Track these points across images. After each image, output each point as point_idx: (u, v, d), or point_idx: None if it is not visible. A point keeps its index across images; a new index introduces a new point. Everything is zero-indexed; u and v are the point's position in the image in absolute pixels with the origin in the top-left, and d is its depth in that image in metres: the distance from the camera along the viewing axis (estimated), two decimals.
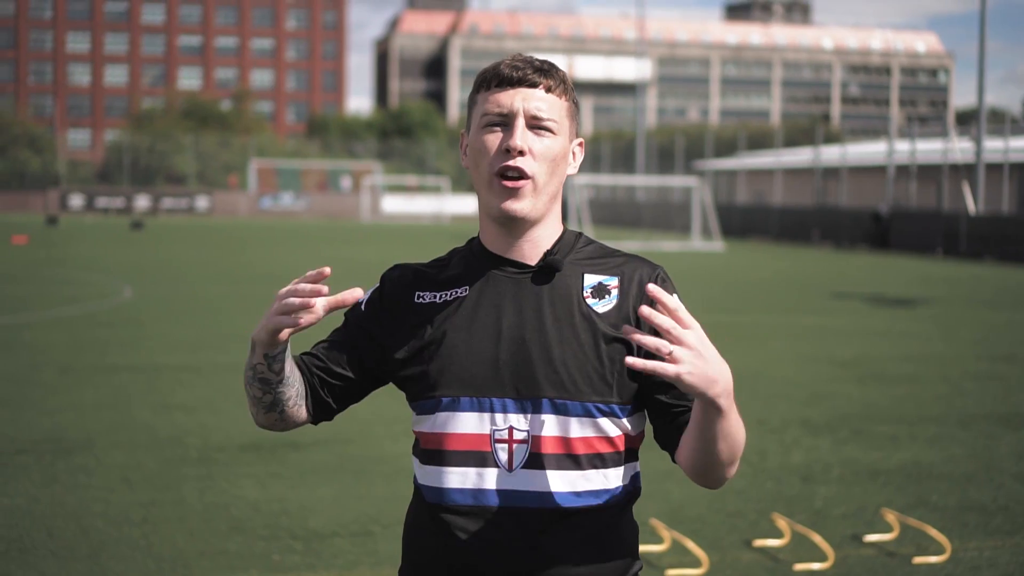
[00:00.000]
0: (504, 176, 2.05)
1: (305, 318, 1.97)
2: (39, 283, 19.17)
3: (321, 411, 2.19)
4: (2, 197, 60.27)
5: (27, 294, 17.17)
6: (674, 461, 2.10)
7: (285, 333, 1.99)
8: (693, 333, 1.82)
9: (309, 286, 1.96)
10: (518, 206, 2.05)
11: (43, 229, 40.96)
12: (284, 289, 1.98)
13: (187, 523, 5.77)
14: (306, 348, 2.24)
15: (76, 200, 59.42)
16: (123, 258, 25.99)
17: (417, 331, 2.10)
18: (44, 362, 10.74)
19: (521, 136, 2.04)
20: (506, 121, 2.06)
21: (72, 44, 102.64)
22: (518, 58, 2.11)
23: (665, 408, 2.08)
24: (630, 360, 1.81)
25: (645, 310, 1.81)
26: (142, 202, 60.16)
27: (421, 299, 2.13)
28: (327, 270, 1.97)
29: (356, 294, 2.01)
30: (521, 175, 2.05)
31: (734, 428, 1.96)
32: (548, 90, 2.07)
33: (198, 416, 8.37)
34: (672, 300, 1.82)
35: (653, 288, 1.82)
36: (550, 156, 2.07)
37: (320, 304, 1.98)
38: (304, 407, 2.16)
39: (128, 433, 7.76)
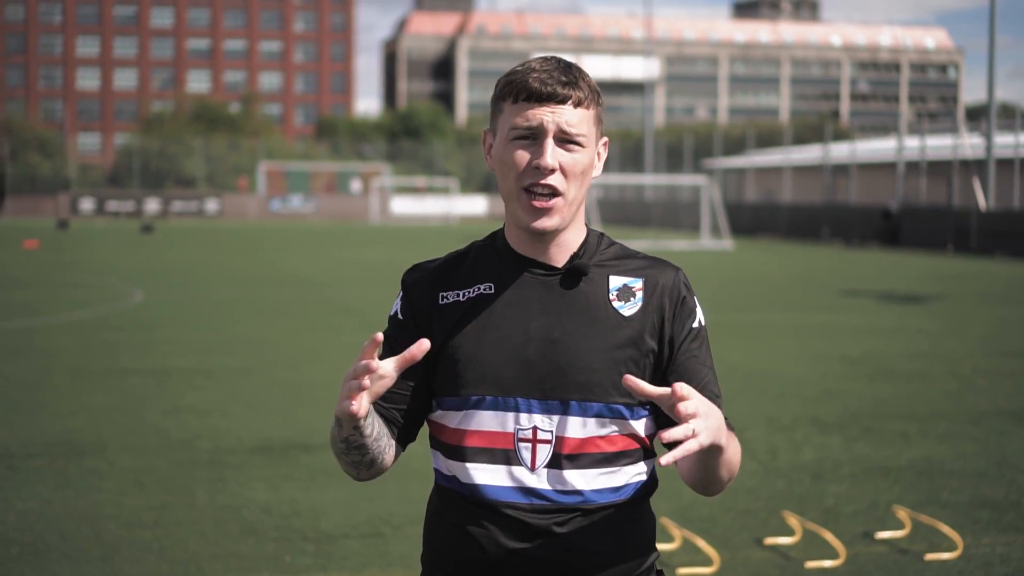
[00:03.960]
0: (534, 193, 2.06)
1: (377, 385, 1.93)
2: (50, 287, 19.23)
3: (407, 438, 2.20)
4: (13, 201, 60.47)
5: (38, 298, 17.22)
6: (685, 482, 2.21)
7: (363, 409, 1.93)
8: (692, 403, 1.85)
9: (362, 364, 1.90)
10: (549, 223, 2.07)
11: (54, 233, 41.09)
12: (347, 371, 1.93)
13: (199, 525, 5.78)
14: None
15: (86, 204, 59.59)
16: (134, 261, 26.06)
17: (444, 331, 2.12)
18: (56, 366, 10.78)
19: (551, 154, 2.04)
20: (535, 135, 2.06)
21: (81, 48, 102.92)
22: (545, 67, 2.07)
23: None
24: (664, 461, 1.83)
25: (682, 407, 1.83)
26: (152, 205, 60.33)
27: (445, 299, 2.14)
28: (379, 336, 1.90)
29: (424, 347, 1.93)
30: (552, 193, 2.05)
31: (731, 453, 2.07)
32: (577, 104, 2.06)
33: (209, 419, 8.39)
34: (651, 389, 1.88)
35: (630, 380, 1.88)
36: (579, 170, 2.07)
37: (389, 367, 1.93)
38: (392, 448, 2.16)
39: (140, 436, 7.79)
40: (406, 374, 2.12)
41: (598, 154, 2.14)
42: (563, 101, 2.05)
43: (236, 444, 7.58)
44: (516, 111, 2.06)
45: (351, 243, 36.16)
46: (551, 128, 2.04)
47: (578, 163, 2.07)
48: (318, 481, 6.65)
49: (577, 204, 2.10)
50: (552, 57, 2.12)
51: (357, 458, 2.09)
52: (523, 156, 2.06)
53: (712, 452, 1.99)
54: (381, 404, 2.15)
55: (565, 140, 2.06)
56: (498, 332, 2.09)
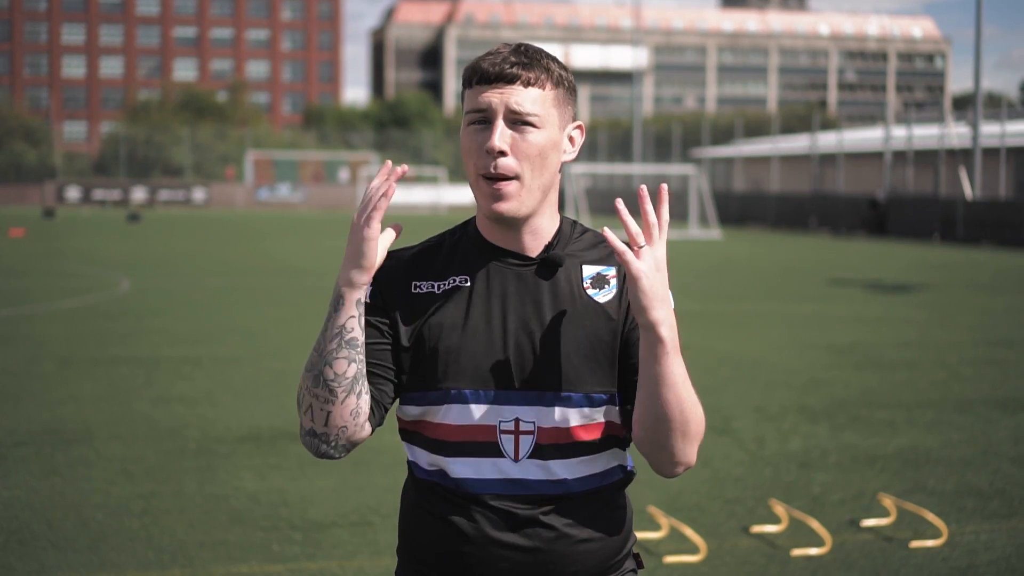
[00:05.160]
0: (488, 177, 2.04)
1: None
2: (37, 276, 19.17)
3: (380, 413, 2.10)
4: None
5: (25, 287, 17.17)
6: (637, 446, 2.10)
7: (374, 247, 2.00)
8: (662, 250, 1.98)
9: (381, 180, 2.02)
10: (505, 207, 2.05)
11: (40, 222, 40.94)
12: (357, 214, 2.02)
13: (187, 514, 5.78)
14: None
15: (73, 192, 59.35)
16: (120, 250, 25.98)
17: (418, 322, 2.09)
18: (43, 354, 10.75)
19: (500, 136, 2.01)
20: (487, 119, 2.04)
21: (67, 36, 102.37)
22: (500, 51, 2.06)
23: (633, 386, 2.08)
24: (607, 232, 1.99)
25: (644, 198, 1.99)
26: (139, 194, 60.11)
27: (419, 289, 2.11)
28: (398, 169, 2.04)
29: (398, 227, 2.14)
30: (504, 176, 2.03)
31: (680, 380, 1.97)
32: (528, 83, 2.03)
33: (197, 408, 8.39)
34: (665, 214, 2.00)
35: (645, 192, 1.99)
36: (534, 152, 2.04)
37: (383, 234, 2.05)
38: (368, 421, 2.06)
39: (127, 425, 7.78)
40: (386, 348, 2.08)
41: (571, 138, 2.12)
42: (511, 81, 2.02)
43: (224, 433, 7.57)
44: (471, 96, 2.05)
45: (339, 232, 36.09)
46: (500, 109, 2.02)
47: (532, 144, 2.03)
48: (306, 470, 6.65)
49: (542, 190, 2.07)
50: (519, 44, 2.10)
51: (324, 395, 1.98)
52: (476, 140, 2.04)
53: (652, 349, 1.94)
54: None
55: (517, 121, 2.03)
56: (475, 324, 2.07)
